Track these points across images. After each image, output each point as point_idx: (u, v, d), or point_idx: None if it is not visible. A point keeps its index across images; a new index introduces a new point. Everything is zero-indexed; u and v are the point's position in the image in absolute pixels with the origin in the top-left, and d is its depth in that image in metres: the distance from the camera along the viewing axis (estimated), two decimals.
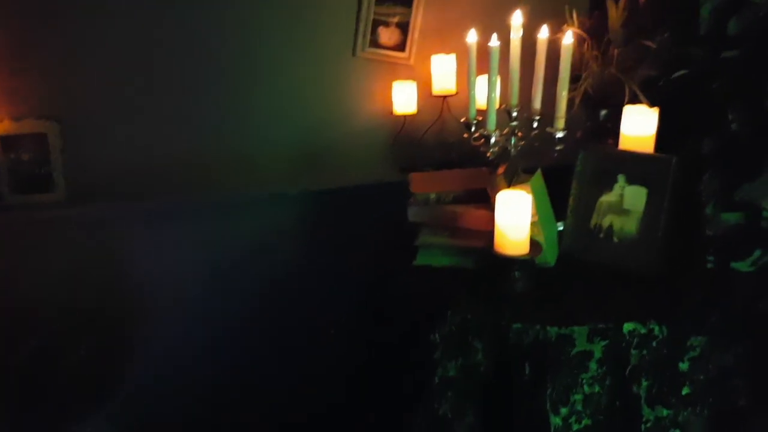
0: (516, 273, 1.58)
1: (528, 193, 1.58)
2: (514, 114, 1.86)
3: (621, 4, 1.92)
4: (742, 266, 2.06)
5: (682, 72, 1.83)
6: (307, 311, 2.34)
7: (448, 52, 2.38)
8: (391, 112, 2.40)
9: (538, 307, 1.53)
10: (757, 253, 2.03)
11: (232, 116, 2.29)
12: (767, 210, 1.98)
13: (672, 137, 1.86)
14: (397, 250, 1.87)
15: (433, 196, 1.80)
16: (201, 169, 2.26)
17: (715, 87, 2.02)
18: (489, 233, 1.61)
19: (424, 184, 1.84)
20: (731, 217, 2.08)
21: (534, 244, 1.58)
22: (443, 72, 2.38)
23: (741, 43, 1.96)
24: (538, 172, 1.75)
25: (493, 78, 1.76)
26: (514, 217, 1.53)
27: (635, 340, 1.46)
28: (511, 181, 1.73)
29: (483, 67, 1.78)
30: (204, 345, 2.28)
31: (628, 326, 1.46)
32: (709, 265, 2.04)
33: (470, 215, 1.72)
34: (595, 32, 2.00)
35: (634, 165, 1.71)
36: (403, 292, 1.74)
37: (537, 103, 1.82)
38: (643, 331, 1.47)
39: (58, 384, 2.08)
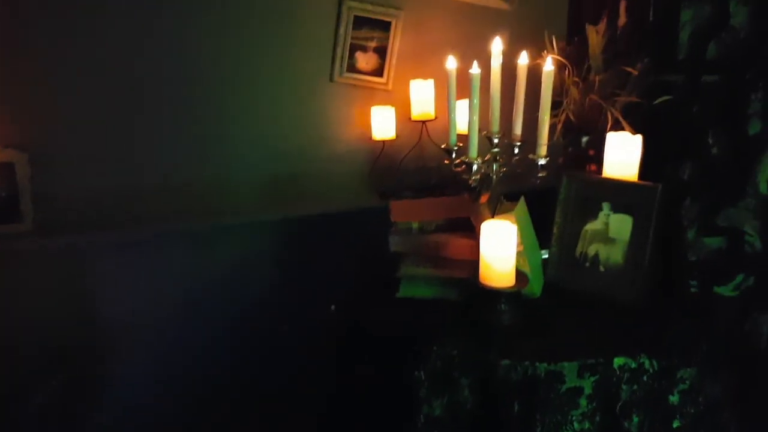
0: (502, 305, 1.53)
1: (513, 222, 1.54)
2: (496, 140, 1.83)
3: (601, 30, 1.91)
4: (724, 291, 2.04)
5: (664, 98, 1.82)
6: (283, 346, 2.27)
7: (426, 77, 2.36)
8: (370, 138, 2.37)
9: (525, 340, 1.48)
10: (739, 277, 2.02)
11: (207, 143, 2.23)
12: (749, 234, 1.98)
13: (653, 162, 1.85)
14: (379, 280, 1.82)
15: (415, 225, 1.76)
16: (175, 197, 2.19)
17: (695, 111, 2.02)
18: (473, 263, 1.57)
19: (405, 213, 1.79)
20: (713, 242, 2.07)
21: (520, 275, 1.54)
22: (422, 97, 2.35)
23: (720, 67, 1.97)
24: (522, 200, 1.72)
25: (475, 105, 1.73)
26: (500, 249, 1.49)
27: (626, 375, 1.42)
28: (495, 210, 1.69)
29: (462, 92, 1.75)
30: (178, 378, 2.19)
31: (618, 361, 1.42)
32: (693, 290, 2.02)
33: (454, 245, 1.68)
34: (575, 58, 1.99)
35: (619, 193, 1.69)
36: (386, 326, 1.68)
37: (518, 129, 1.80)
38: (633, 365, 1.43)
39: (29, 419, 1.98)
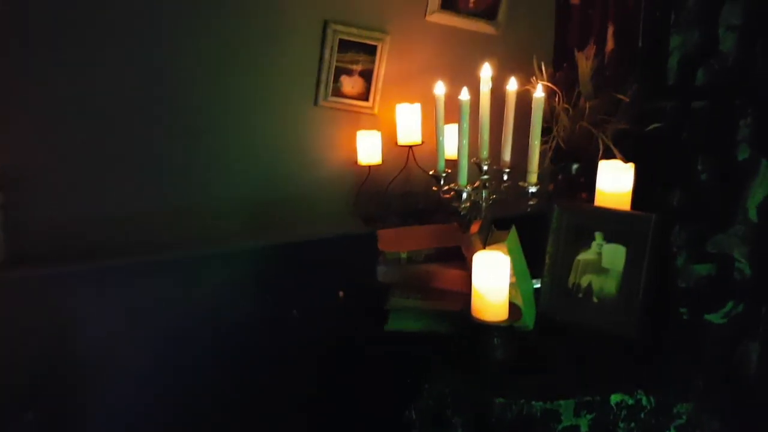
0: (495, 340, 1.48)
1: (505, 253, 1.49)
2: (485, 167, 1.80)
3: (590, 55, 1.89)
4: (714, 318, 2.02)
5: (655, 125, 1.80)
6: (267, 380, 2.19)
7: (412, 102, 2.32)
8: (356, 163, 2.32)
9: (520, 377, 1.43)
10: (729, 305, 1.99)
11: (189, 170, 2.16)
12: (739, 261, 1.96)
13: (642, 189, 1.82)
14: (366, 312, 1.76)
15: (403, 255, 1.71)
16: (155, 225, 2.12)
17: (684, 137, 2.01)
18: (464, 295, 1.52)
19: (393, 242, 1.74)
20: (703, 269, 2.05)
21: (513, 308, 1.50)
22: (408, 122, 2.31)
23: (709, 93, 1.96)
24: (513, 230, 1.68)
25: (464, 132, 1.69)
26: (493, 281, 1.44)
27: (623, 412, 1.38)
28: (486, 240, 1.65)
29: (449, 117, 1.72)
30: (153, 412, 2.11)
31: (615, 398, 1.37)
32: (684, 317, 2.00)
33: (444, 276, 1.63)
34: (564, 84, 1.97)
35: (612, 223, 1.65)
36: (374, 362, 1.62)
37: (507, 156, 1.77)
38: (630, 402, 1.38)
39: None
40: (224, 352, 2.15)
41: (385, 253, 1.73)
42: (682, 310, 2.09)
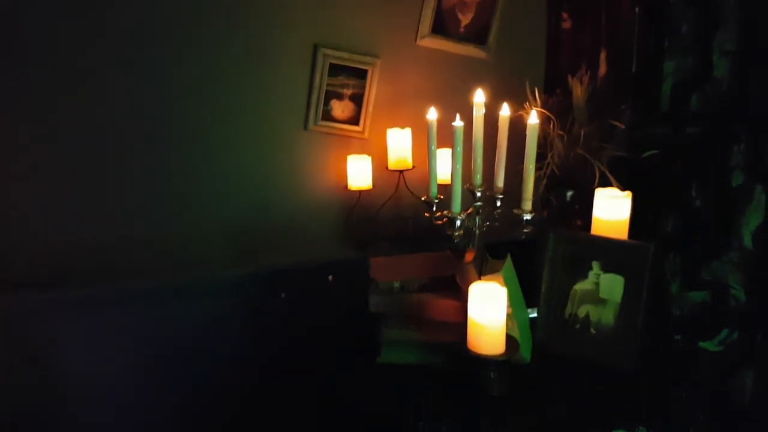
0: (492, 374, 1.43)
1: (501, 284, 1.45)
2: (478, 194, 1.76)
3: (585, 81, 1.88)
4: (709, 346, 1.99)
5: (651, 152, 1.78)
6: (252, 416, 2.12)
7: (403, 126, 2.29)
8: (346, 187, 2.27)
9: (518, 413, 1.38)
10: (724, 332, 1.97)
11: (173, 194, 2.10)
12: (734, 288, 1.94)
13: (636, 215, 1.80)
14: (357, 343, 1.71)
15: (396, 284, 1.66)
16: (138, 252, 2.05)
17: (678, 164, 1.99)
18: (460, 325, 1.48)
19: (386, 271, 1.69)
20: (697, 296, 2.02)
21: (510, 341, 1.45)
22: (399, 146, 2.28)
23: (703, 119, 1.95)
24: (509, 259, 1.64)
25: (458, 159, 1.66)
26: (489, 314, 1.40)
27: None
28: (481, 268, 1.61)
29: (440, 141, 1.69)
30: None
31: None
32: (678, 344, 1.97)
33: (439, 306, 1.58)
34: (558, 110, 1.95)
35: (610, 252, 1.62)
36: (365, 397, 1.57)
37: (500, 182, 1.74)
38: None
39: None
40: (210, 384, 2.08)
41: (377, 281, 1.68)
42: (677, 337, 2.06)
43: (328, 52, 2.21)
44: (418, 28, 2.32)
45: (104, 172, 2.01)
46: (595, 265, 1.63)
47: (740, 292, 1.91)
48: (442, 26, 2.33)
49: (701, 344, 2.00)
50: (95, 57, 1.94)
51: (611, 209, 1.66)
